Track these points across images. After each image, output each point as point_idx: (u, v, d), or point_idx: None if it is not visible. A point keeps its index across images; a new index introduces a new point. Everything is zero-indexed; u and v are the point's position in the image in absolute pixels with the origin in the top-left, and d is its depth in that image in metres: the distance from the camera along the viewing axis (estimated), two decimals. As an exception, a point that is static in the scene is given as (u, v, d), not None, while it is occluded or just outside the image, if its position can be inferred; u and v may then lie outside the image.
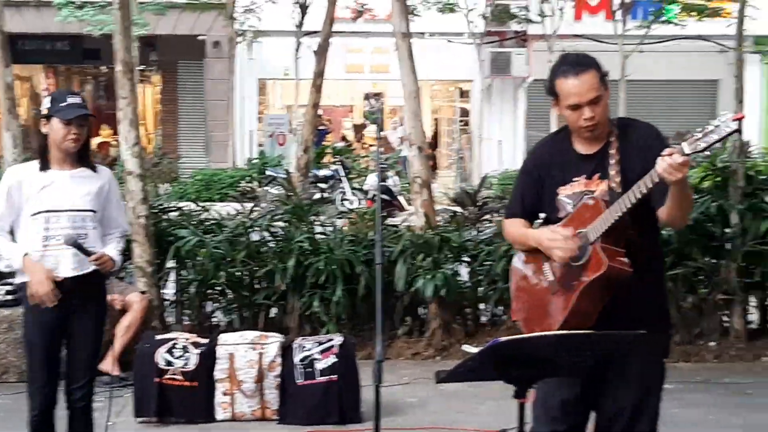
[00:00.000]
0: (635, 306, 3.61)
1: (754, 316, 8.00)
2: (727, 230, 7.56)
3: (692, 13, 20.06)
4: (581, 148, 3.75)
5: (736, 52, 8.19)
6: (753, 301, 7.92)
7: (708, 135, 3.25)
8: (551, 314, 3.68)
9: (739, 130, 3.22)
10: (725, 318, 7.74)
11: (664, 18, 20.35)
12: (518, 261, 3.96)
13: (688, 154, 3.27)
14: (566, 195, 3.75)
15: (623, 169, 3.62)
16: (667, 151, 3.31)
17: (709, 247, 7.59)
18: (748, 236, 7.48)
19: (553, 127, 18.75)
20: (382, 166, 18.75)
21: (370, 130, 28.61)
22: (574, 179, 3.73)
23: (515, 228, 3.93)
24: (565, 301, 3.62)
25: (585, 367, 3.46)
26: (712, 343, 7.60)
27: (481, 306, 8.03)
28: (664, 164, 3.29)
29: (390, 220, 9.17)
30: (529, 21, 21.98)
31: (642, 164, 3.52)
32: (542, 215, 3.96)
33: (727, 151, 7.75)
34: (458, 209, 8.45)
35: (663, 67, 22.97)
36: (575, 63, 3.67)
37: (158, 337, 6.24)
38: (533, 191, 3.87)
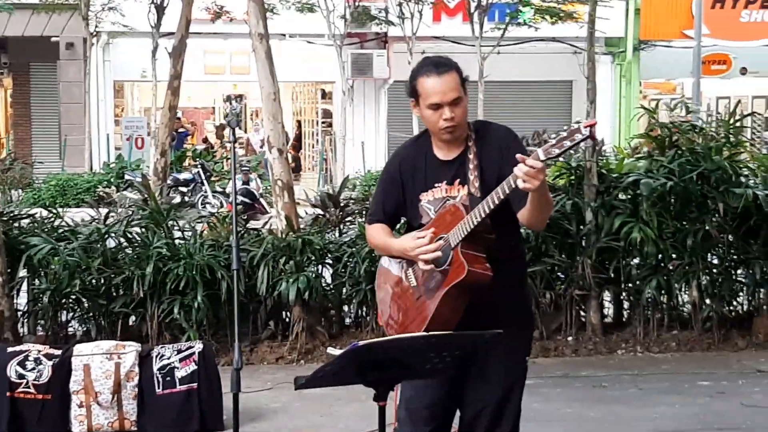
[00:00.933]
0: (497, 308, 3.63)
1: (609, 310, 8.23)
2: (581, 227, 7.75)
3: (545, 16, 20.57)
4: (441, 153, 3.76)
5: (588, 54, 8.39)
6: (608, 296, 8.14)
7: (561, 142, 3.27)
8: (415, 319, 3.69)
9: (592, 137, 3.26)
10: (582, 313, 7.93)
11: (519, 20, 20.80)
12: (385, 263, 3.95)
13: (543, 161, 3.30)
14: (428, 201, 3.75)
15: (482, 173, 3.65)
16: (519, 157, 3.33)
17: (565, 244, 7.77)
18: (602, 233, 7.68)
19: (415, 128, 18.99)
20: (245, 168, 18.58)
21: (229, 132, 28.32)
22: (436, 185, 3.74)
23: (378, 236, 3.91)
24: (427, 306, 3.63)
25: (447, 369, 3.47)
26: (569, 338, 7.78)
27: (345, 308, 8.02)
28: (520, 173, 3.30)
29: (252, 223, 9.06)
30: (388, 23, 22.13)
31: (500, 168, 3.56)
32: (405, 219, 3.96)
33: (580, 150, 7.95)
34: (320, 211, 8.40)
35: (519, 68, 23.49)
36: (438, 63, 3.69)
37: (10, 349, 5.99)
38: (395, 196, 3.87)
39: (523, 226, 3.72)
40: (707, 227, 7.67)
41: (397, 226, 4.08)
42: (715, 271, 7.86)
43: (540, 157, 3.29)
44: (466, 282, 3.52)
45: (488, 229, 3.56)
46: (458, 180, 3.69)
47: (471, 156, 3.68)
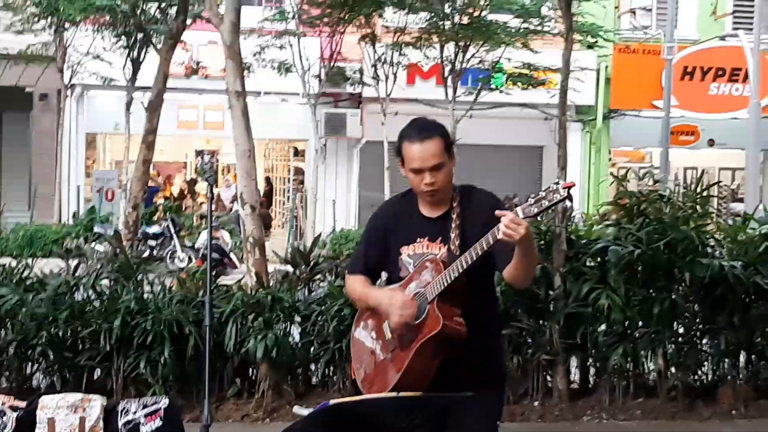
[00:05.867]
0: (472, 367, 3.67)
1: (576, 376, 8.24)
2: (550, 292, 7.79)
3: (518, 83, 20.83)
4: (426, 211, 3.86)
5: (559, 121, 8.50)
6: (574, 361, 8.16)
7: (540, 201, 3.37)
8: (387, 372, 3.72)
9: (569, 198, 3.34)
10: (549, 378, 7.94)
11: (492, 85, 21.04)
12: (359, 326, 3.98)
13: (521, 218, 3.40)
14: (408, 255, 3.84)
15: (463, 233, 3.74)
16: (499, 212, 3.42)
17: (533, 308, 7.80)
18: (570, 298, 7.72)
19: (386, 188, 19.07)
20: (214, 224, 18.54)
21: (201, 187, 28.38)
22: (418, 240, 3.83)
23: (356, 286, 3.98)
24: (401, 359, 3.66)
25: (422, 428, 3.47)
26: (536, 403, 7.77)
27: (312, 367, 7.98)
28: (503, 225, 3.39)
29: (223, 279, 9.03)
30: (363, 83, 22.32)
31: (481, 229, 3.62)
32: (384, 274, 4.01)
33: (550, 215, 8.02)
34: (290, 269, 8.40)
35: (492, 132, 23.69)
36: (422, 128, 3.78)
37: (-28, 401, 5.92)
38: (377, 248, 3.95)
39: (507, 283, 3.77)
40: (674, 296, 7.74)
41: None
42: (680, 340, 7.92)
43: (519, 215, 3.37)
44: (440, 335, 3.55)
45: (463, 286, 3.61)
46: (440, 238, 3.78)
47: (454, 216, 3.78)
